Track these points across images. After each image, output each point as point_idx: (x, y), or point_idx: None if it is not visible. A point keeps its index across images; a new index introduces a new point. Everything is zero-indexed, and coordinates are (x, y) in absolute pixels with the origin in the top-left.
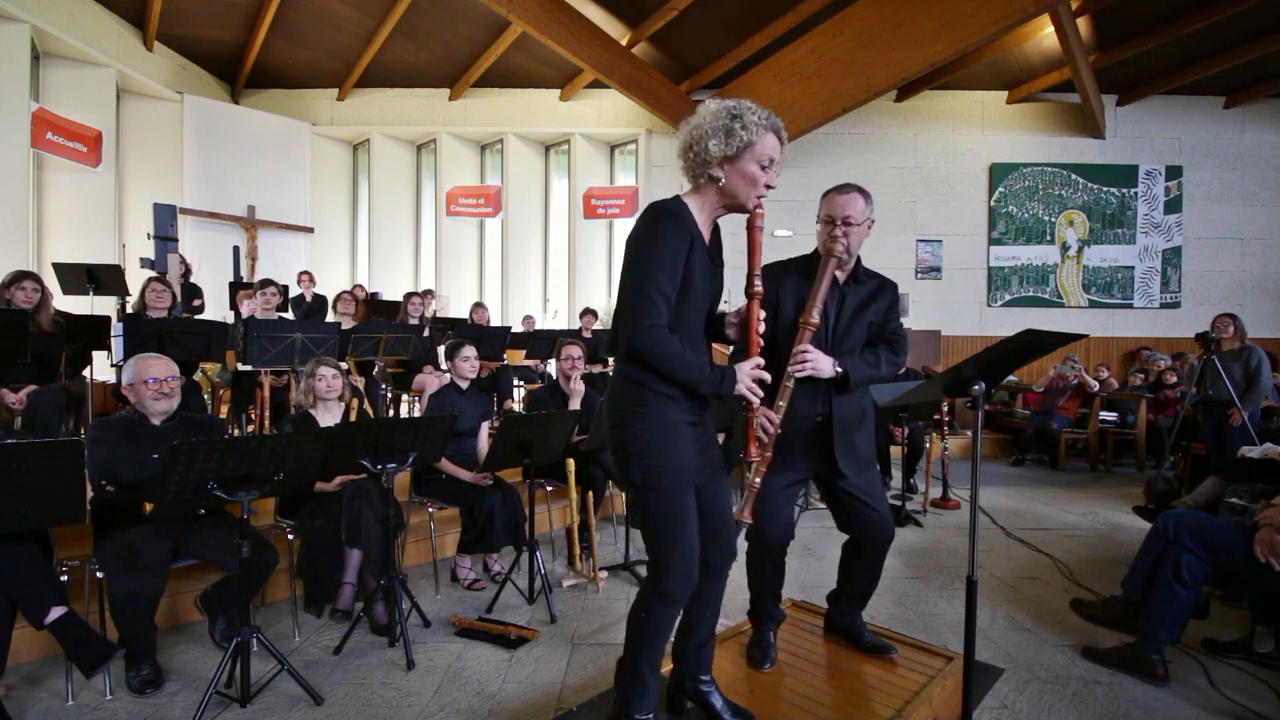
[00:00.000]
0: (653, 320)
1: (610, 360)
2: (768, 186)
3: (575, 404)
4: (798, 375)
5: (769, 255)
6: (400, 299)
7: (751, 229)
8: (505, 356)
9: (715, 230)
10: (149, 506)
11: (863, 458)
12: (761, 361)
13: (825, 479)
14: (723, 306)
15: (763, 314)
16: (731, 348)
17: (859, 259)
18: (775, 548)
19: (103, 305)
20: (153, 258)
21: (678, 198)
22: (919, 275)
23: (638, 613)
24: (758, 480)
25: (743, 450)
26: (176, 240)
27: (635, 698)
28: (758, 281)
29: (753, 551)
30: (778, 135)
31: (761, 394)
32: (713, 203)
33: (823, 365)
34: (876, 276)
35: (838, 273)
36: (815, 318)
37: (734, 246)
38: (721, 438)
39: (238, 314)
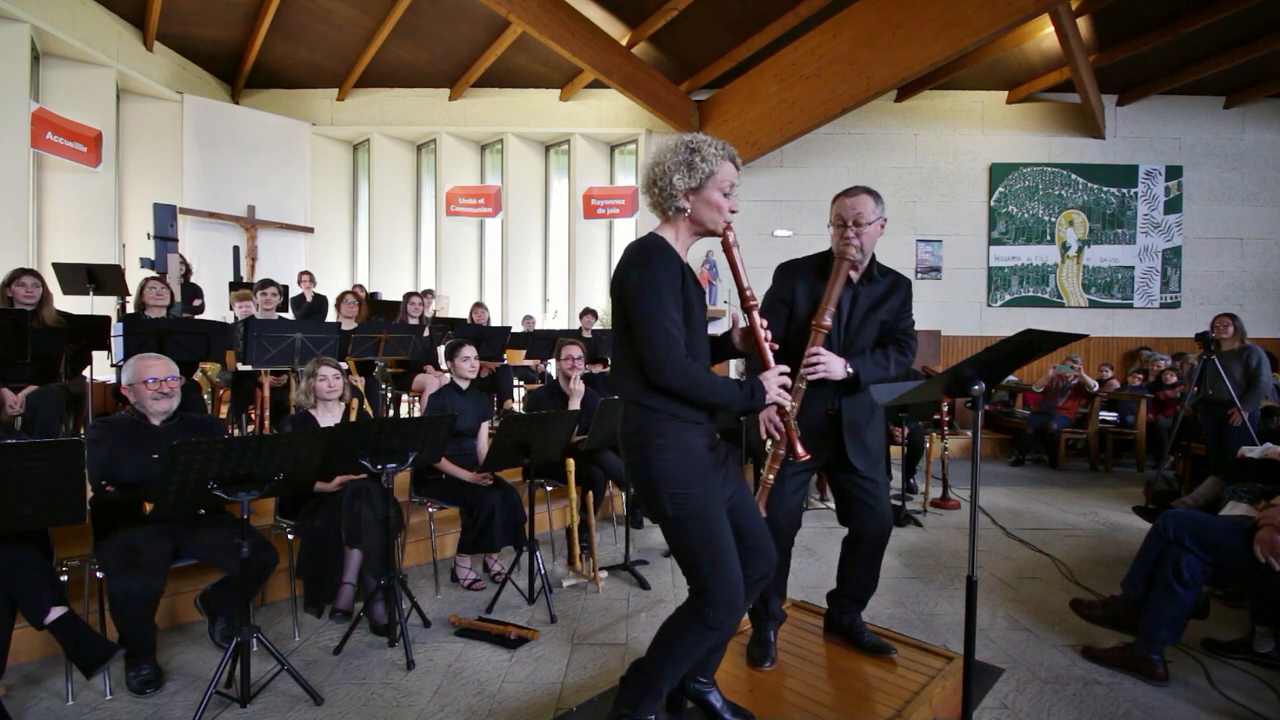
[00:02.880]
0: (676, 353)
1: (610, 361)
2: (732, 211)
3: (575, 404)
4: (810, 379)
5: (768, 255)
6: (400, 299)
7: (727, 248)
8: (505, 356)
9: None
10: (149, 506)
11: (873, 453)
12: (785, 368)
13: (834, 470)
14: (713, 328)
15: (764, 322)
16: (741, 361)
17: (873, 257)
18: (784, 534)
19: (103, 305)
20: (153, 258)
21: (654, 234)
22: (919, 275)
23: (675, 631)
24: (771, 476)
25: (791, 454)
26: (176, 240)
27: (644, 702)
28: (750, 293)
29: None
30: (734, 163)
31: (791, 399)
32: (684, 232)
33: (834, 367)
34: (891, 274)
35: (851, 273)
36: (827, 320)
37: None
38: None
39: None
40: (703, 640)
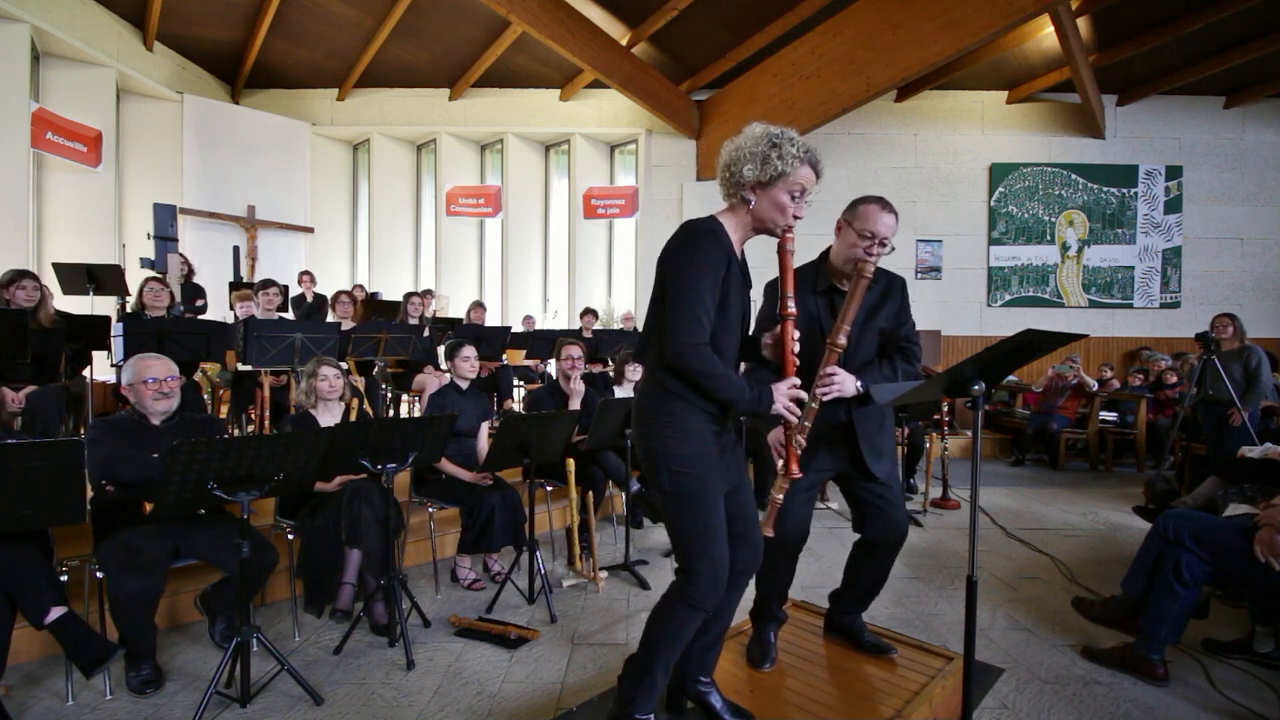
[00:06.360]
0: (698, 338)
1: (610, 360)
2: (796, 217)
3: (575, 404)
4: (824, 399)
5: (770, 254)
6: (400, 299)
7: (782, 253)
8: (505, 356)
9: (743, 253)
10: (149, 506)
11: (887, 458)
12: (798, 381)
13: (847, 478)
14: None
15: (796, 334)
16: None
17: None
18: (791, 545)
19: (103, 305)
20: (153, 258)
21: (713, 217)
22: (919, 275)
23: (661, 615)
24: (780, 496)
25: (785, 468)
26: (176, 240)
27: (641, 697)
28: (791, 303)
29: (767, 549)
30: (814, 169)
31: (799, 412)
32: (744, 224)
33: (847, 387)
34: (884, 275)
35: (844, 284)
36: (842, 340)
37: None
38: None
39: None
40: (688, 621)
